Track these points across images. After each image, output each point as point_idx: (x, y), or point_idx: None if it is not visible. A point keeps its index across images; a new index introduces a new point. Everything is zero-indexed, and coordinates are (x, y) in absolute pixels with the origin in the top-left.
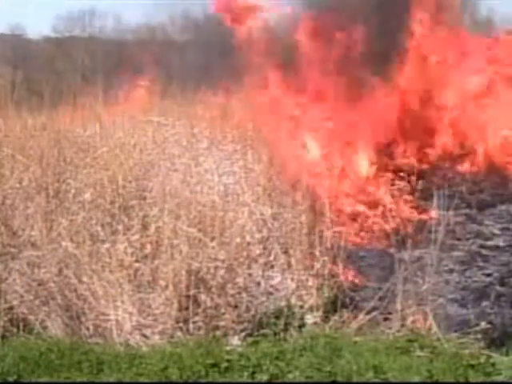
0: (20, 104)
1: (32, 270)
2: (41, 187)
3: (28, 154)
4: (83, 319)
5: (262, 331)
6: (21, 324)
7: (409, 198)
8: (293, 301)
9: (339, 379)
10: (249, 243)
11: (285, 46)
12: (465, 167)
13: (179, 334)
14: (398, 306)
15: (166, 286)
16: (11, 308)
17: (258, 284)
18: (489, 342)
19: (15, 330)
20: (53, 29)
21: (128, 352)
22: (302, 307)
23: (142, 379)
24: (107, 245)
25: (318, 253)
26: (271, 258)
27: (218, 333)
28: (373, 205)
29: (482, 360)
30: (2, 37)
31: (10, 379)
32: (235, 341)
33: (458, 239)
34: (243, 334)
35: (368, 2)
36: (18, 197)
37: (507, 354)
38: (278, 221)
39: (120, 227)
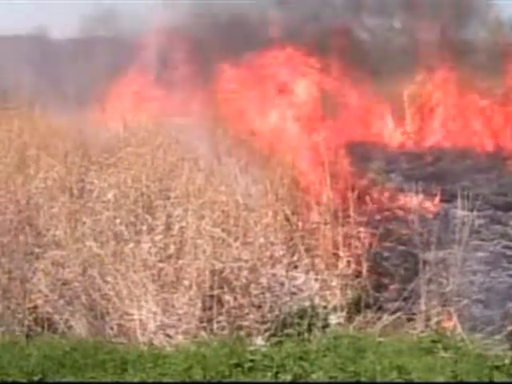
0: (45, 105)
1: (56, 270)
2: (65, 187)
3: (53, 154)
4: (107, 319)
5: (285, 331)
6: (45, 323)
7: (434, 199)
8: (316, 301)
9: (363, 379)
10: (272, 243)
11: None
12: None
13: (203, 333)
14: (422, 307)
15: (190, 286)
16: (36, 307)
17: (282, 284)
18: None
19: (40, 329)
20: (77, 29)
21: (152, 352)
22: (325, 307)
23: (165, 379)
24: (131, 245)
25: (341, 253)
26: (295, 258)
27: (242, 333)
28: (398, 207)
29: (507, 361)
30: (25, 38)
31: (35, 378)
32: (259, 341)
33: (483, 240)
34: (267, 334)
35: None
36: (42, 197)
37: None
38: (302, 221)
39: (144, 227)
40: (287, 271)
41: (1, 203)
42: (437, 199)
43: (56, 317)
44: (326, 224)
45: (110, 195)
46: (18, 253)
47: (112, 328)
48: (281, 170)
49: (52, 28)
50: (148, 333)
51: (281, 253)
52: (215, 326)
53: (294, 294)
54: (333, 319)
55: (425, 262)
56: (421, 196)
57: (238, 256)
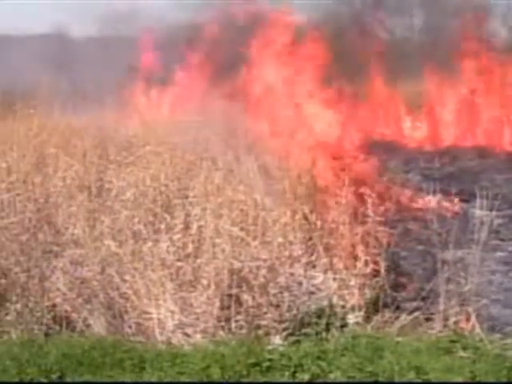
0: (64, 104)
1: (75, 269)
2: (84, 186)
3: (72, 153)
4: (125, 317)
5: (303, 331)
6: (64, 322)
7: (452, 199)
8: (335, 300)
9: (381, 379)
10: (291, 242)
11: None
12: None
13: (221, 332)
14: (441, 307)
15: (208, 285)
16: (54, 306)
17: (300, 283)
18: None
19: (58, 327)
20: (97, 29)
21: (170, 351)
22: (343, 307)
23: (183, 378)
24: (149, 244)
25: (360, 252)
26: (313, 257)
27: (260, 332)
28: (416, 206)
29: None
30: (45, 37)
31: (53, 376)
32: (277, 340)
33: (502, 240)
34: (285, 333)
35: None
36: (61, 195)
37: None
38: (321, 220)
39: (162, 226)
40: (305, 270)
41: (19, 202)
42: (455, 199)
43: (74, 315)
44: (344, 223)
45: (128, 194)
46: (37, 251)
47: (130, 327)
48: (299, 168)
49: (70, 27)
50: (166, 332)
51: (299, 252)
52: (233, 325)
53: (312, 293)
54: (351, 319)
55: (443, 262)
56: (439, 195)
57: (256, 255)
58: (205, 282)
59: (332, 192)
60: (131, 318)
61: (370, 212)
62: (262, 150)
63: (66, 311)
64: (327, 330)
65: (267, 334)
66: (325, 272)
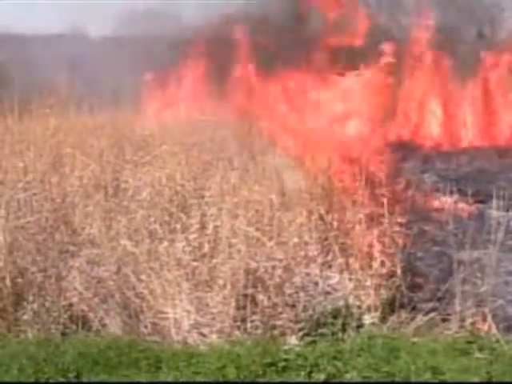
0: (80, 104)
1: (91, 268)
2: (100, 186)
3: (88, 153)
4: (141, 317)
5: (319, 331)
6: (80, 321)
7: (468, 199)
8: (350, 301)
9: (397, 380)
10: (306, 243)
11: None
12: None
13: (237, 332)
14: (457, 307)
15: (224, 285)
16: (71, 305)
17: (316, 284)
18: None
19: (75, 327)
20: (113, 29)
21: (186, 350)
22: (359, 307)
23: (199, 378)
24: (165, 243)
25: (376, 253)
26: (329, 257)
27: (276, 332)
28: (432, 207)
29: None
30: (61, 37)
31: (70, 375)
32: (293, 340)
33: None
34: (301, 333)
35: None
36: (77, 195)
37: None
38: (337, 220)
39: (178, 226)
40: (321, 271)
41: (36, 201)
42: (472, 199)
43: (91, 315)
44: (360, 224)
45: (144, 194)
46: (53, 251)
47: (146, 326)
48: (316, 169)
49: (86, 27)
50: (182, 331)
51: (315, 252)
52: (249, 325)
53: (328, 293)
54: (367, 319)
55: (459, 263)
56: (456, 196)
57: (272, 255)
58: (221, 281)
59: (348, 192)
60: (147, 317)
61: (385, 212)
62: (278, 150)
63: (83, 311)
64: (343, 330)
65: (283, 334)
66: (341, 272)
